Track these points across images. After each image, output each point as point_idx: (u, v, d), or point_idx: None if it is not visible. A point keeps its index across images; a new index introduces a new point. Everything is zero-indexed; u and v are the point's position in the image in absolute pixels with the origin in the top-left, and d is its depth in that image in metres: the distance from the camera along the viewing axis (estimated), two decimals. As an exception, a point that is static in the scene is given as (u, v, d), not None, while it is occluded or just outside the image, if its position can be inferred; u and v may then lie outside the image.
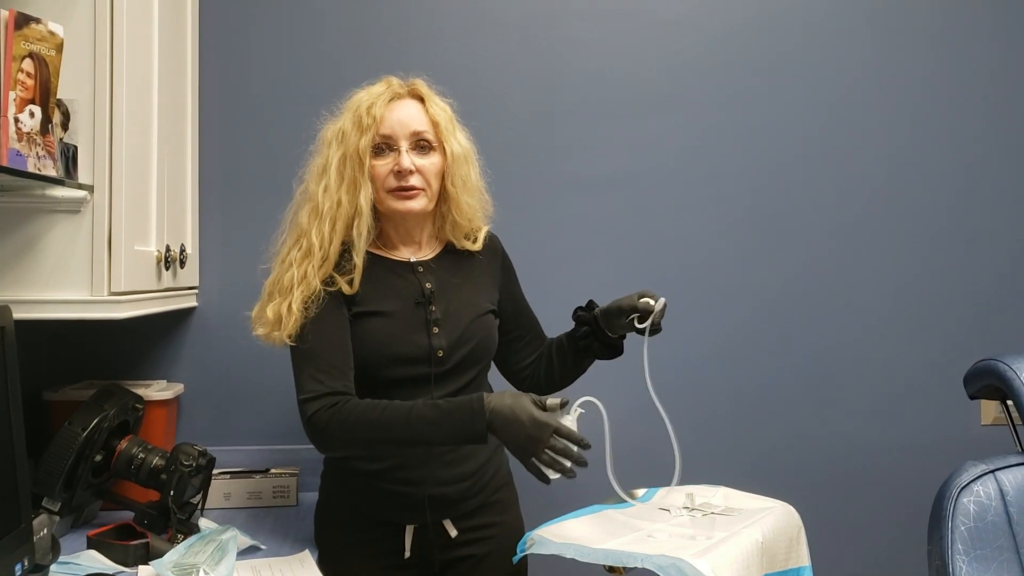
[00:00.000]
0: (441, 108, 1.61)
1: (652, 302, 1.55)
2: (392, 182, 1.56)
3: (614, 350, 1.66)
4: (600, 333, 1.64)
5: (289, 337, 1.50)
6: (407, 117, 1.57)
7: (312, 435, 1.50)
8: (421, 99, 1.61)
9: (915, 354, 2.28)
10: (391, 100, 1.58)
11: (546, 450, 1.38)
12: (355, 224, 1.54)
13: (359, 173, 1.54)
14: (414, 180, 1.56)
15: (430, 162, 1.58)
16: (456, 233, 1.67)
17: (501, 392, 1.45)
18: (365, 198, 1.54)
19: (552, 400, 1.41)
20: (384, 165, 1.56)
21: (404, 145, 1.56)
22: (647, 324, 1.54)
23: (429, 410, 1.44)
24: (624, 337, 1.65)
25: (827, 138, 2.27)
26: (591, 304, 1.68)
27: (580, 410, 1.43)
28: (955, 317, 2.29)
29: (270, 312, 1.52)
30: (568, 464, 1.39)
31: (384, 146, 1.56)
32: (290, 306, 1.50)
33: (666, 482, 1.71)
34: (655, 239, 2.23)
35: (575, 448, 1.39)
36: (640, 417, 2.18)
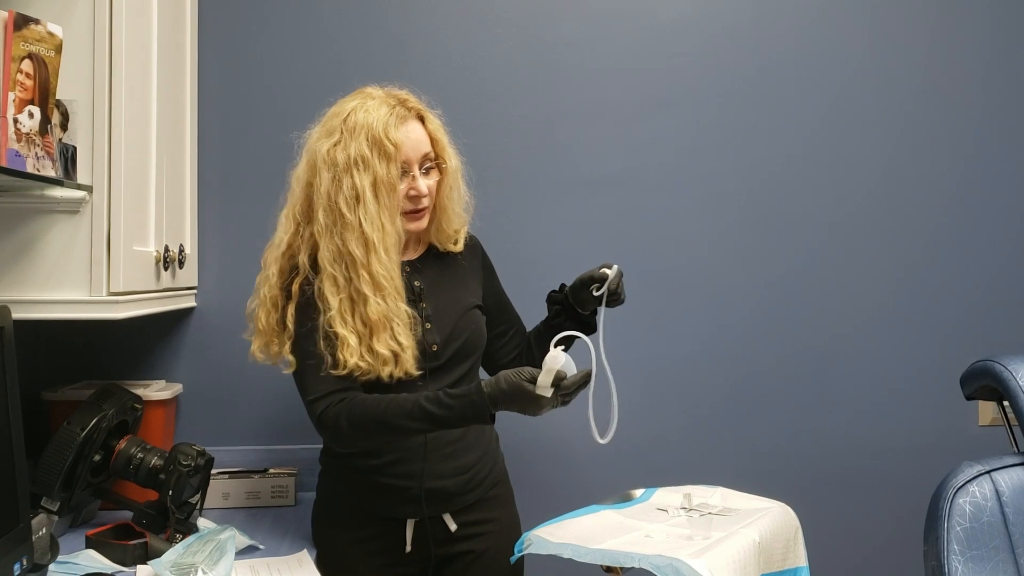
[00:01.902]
0: (437, 124, 1.62)
1: (608, 272, 1.59)
2: (407, 205, 1.58)
3: (586, 327, 1.67)
4: (571, 311, 1.67)
5: (410, 368, 1.51)
6: (418, 141, 1.58)
7: (323, 433, 1.54)
8: (421, 117, 1.61)
9: (912, 355, 2.28)
10: (401, 123, 1.56)
11: (561, 404, 1.43)
12: (397, 248, 1.55)
13: (394, 201, 1.54)
14: (425, 201, 1.59)
15: (434, 180, 1.61)
16: (440, 237, 1.69)
17: (496, 379, 1.45)
18: (400, 224, 1.56)
19: (543, 378, 1.40)
20: (400, 190, 1.56)
21: (417, 169, 1.57)
22: (603, 291, 1.59)
23: (433, 406, 1.46)
24: (595, 313, 1.66)
25: (825, 138, 2.28)
26: (563, 287, 1.71)
27: (561, 346, 1.43)
28: (952, 318, 2.29)
29: (385, 350, 1.49)
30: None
31: (401, 171, 1.56)
32: (399, 340, 1.50)
33: (664, 483, 1.73)
34: (653, 239, 2.23)
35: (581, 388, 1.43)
36: (639, 417, 2.19)
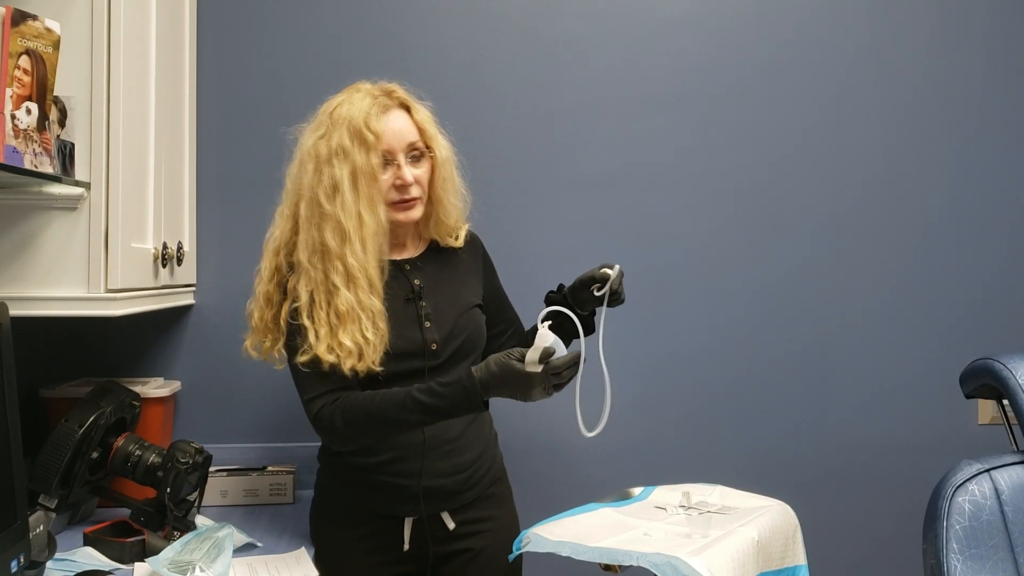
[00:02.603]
0: (425, 114, 1.62)
1: (610, 271, 1.59)
2: (394, 195, 1.57)
3: (585, 327, 1.67)
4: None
5: (373, 363, 1.49)
6: (401, 130, 1.58)
7: (320, 432, 1.55)
8: (407, 107, 1.61)
9: (912, 353, 2.28)
10: (383, 112, 1.57)
11: (553, 386, 1.41)
12: (380, 241, 1.54)
13: (375, 190, 1.54)
14: (414, 191, 1.58)
15: (423, 170, 1.60)
16: (440, 231, 1.69)
17: (485, 362, 1.45)
18: (384, 214, 1.55)
19: (531, 354, 1.40)
20: (385, 180, 1.56)
21: (402, 158, 1.57)
22: (605, 291, 1.59)
23: (425, 396, 1.46)
24: (594, 314, 1.66)
25: (824, 135, 2.27)
26: (561, 287, 1.71)
27: (548, 321, 1.44)
28: (952, 316, 2.29)
29: (350, 342, 1.48)
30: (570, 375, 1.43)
31: (384, 160, 1.56)
32: (365, 335, 1.49)
33: (663, 481, 1.72)
34: (653, 236, 2.23)
35: (572, 368, 1.42)
36: (638, 415, 2.19)
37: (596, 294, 1.60)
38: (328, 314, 1.50)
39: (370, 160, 1.53)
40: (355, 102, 1.56)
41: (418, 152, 1.60)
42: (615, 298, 1.62)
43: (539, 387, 1.40)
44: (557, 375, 1.40)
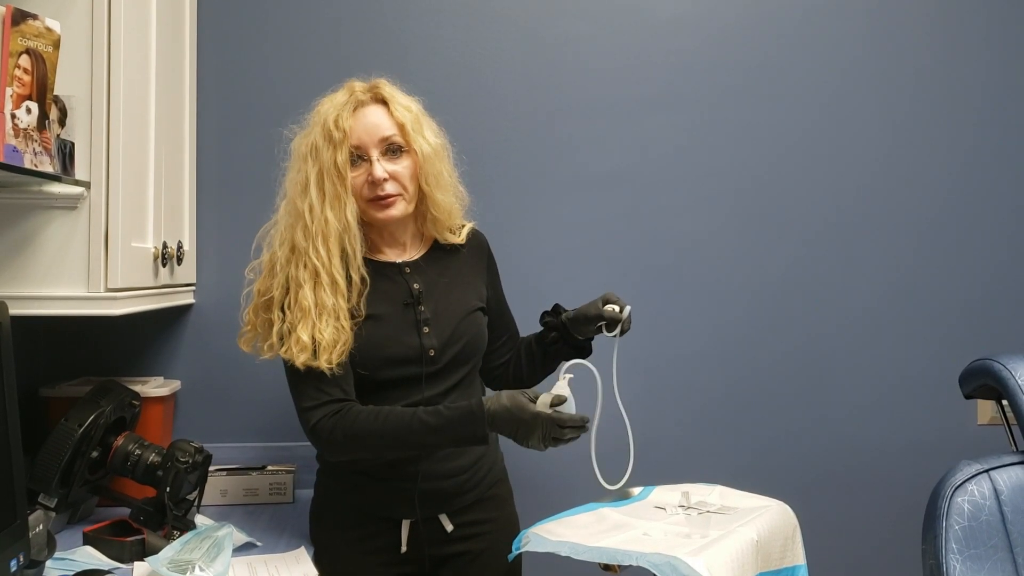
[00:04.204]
0: (405, 108, 1.58)
1: (617, 309, 1.59)
2: (367, 192, 1.56)
3: (582, 351, 1.68)
4: (568, 336, 1.67)
5: (328, 362, 1.48)
6: (373, 125, 1.56)
7: (316, 443, 1.54)
8: (385, 102, 1.58)
9: (911, 353, 2.28)
10: (356, 109, 1.56)
11: (552, 439, 1.42)
12: (346, 240, 1.53)
13: (341, 188, 1.53)
14: (389, 187, 1.56)
15: (403, 166, 1.57)
16: (438, 228, 1.67)
17: (497, 394, 1.46)
18: (351, 213, 1.54)
19: (544, 397, 1.42)
20: (358, 176, 1.55)
21: (375, 153, 1.55)
22: (616, 332, 1.60)
23: (431, 417, 1.46)
24: (592, 339, 1.68)
25: (823, 136, 2.27)
26: (557, 308, 1.70)
27: (570, 375, 1.45)
28: (951, 316, 2.29)
29: (306, 336, 1.48)
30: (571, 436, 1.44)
31: (356, 156, 1.55)
32: (321, 333, 1.49)
33: (662, 481, 1.72)
34: (652, 237, 2.23)
35: (575, 429, 1.43)
36: (638, 415, 2.19)
37: (607, 335, 1.60)
38: (294, 311, 1.51)
39: (336, 157, 1.52)
40: (334, 100, 1.57)
41: (395, 147, 1.57)
42: (621, 333, 1.62)
43: (539, 433, 1.41)
44: (560, 427, 1.41)
